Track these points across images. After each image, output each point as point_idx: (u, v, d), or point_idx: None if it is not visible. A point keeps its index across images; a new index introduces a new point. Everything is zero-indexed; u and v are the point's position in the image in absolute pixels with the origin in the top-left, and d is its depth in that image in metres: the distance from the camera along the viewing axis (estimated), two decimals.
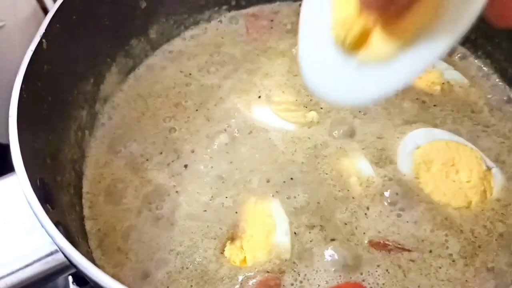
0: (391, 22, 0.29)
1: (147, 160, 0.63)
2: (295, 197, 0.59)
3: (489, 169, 0.60)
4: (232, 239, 0.56)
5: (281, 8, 0.79)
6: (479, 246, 0.56)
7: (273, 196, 0.59)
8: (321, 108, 0.66)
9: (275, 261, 0.55)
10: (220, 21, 0.78)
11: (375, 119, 0.65)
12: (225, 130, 0.65)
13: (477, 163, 0.60)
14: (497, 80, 0.70)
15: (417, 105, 0.67)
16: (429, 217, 0.57)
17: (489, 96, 0.69)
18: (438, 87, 0.68)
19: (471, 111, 0.67)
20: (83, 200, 0.61)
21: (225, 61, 0.73)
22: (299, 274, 0.54)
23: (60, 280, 0.66)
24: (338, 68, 0.31)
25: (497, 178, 0.60)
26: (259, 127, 0.65)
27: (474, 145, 0.62)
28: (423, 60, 0.27)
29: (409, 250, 0.55)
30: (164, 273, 0.55)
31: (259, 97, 0.68)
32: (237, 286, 0.53)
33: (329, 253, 0.55)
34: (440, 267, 0.54)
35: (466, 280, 0.54)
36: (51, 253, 0.51)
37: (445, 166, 0.60)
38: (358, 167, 0.61)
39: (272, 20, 0.77)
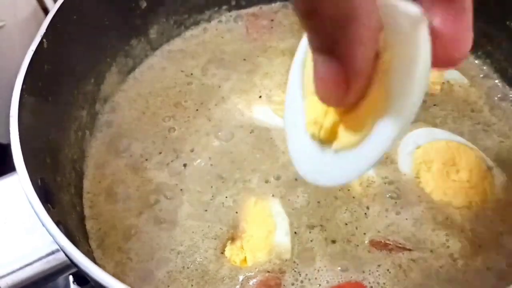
0: (348, 115, 0.34)
1: (146, 160, 0.63)
2: (295, 197, 0.59)
3: (489, 168, 0.60)
4: (233, 239, 0.56)
5: (281, 8, 0.79)
6: (480, 246, 0.56)
7: (273, 196, 0.59)
8: None
9: (276, 261, 0.55)
10: (220, 21, 0.78)
11: None
12: (225, 130, 0.65)
13: (477, 162, 0.60)
14: (497, 80, 0.71)
15: None
16: (429, 216, 0.57)
17: (489, 96, 0.69)
18: (438, 87, 0.68)
19: (471, 111, 0.67)
20: (84, 200, 0.61)
21: (225, 61, 0.73)
22: (299, 274, 0.54)
23: (61, 279, 0.66)
24: (319, 158, 0.38)
25: (498, 178, 0.60)
26: (260, 127, 0.65)
27: (474, 145, 0.62)
28: (382, 144, 0.32)
29: (409, 250, 0.55)
30: (164, 273, 0.55)
31: (260, 97, 0.68)
32: (238, 286, 0.53)
33: (330, 253, 0.55)
34: (440, 267, 0.54)
35: (467, 280, 0.54)
36: (52, 253, 0.51)
37: (445, 165, 0.60)
38: None
39: (272, 20, 0.77)
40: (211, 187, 0.60)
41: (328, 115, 0.36)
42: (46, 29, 0.55)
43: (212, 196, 0.60)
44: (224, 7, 0.78)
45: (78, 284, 0.66)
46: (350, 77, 0.28)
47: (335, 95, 0.29)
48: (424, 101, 0.67)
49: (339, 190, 0.59)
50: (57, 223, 0.44)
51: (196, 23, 0.77)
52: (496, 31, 0.68)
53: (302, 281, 0.53)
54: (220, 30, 0.77)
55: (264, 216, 0.58)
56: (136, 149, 0.64)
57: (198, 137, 0.65)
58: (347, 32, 0.26)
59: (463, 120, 0.66)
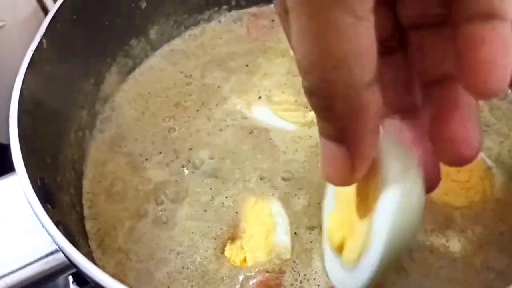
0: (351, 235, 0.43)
1: (146, 160, 0.63)
2: (295, 197, 0.59)
3: (489, 168, 0.60)
4: (232, 239, 0.56)
5: None
6: (480, 246, 0.56)
7: (273, 195, 0.59)
8: None
9: (275, 261, 0.54)
10: (220, 21, 0.78)
11: None
12: (225, 130, 0.65)
13: (477, 162, 0.60)
14: None
15: None
16: (429, 216, 0.57)
17: None
18: None
19: None
20: (83, 200, 0.61)
21: (225, 62, 0.73)
22: (299, 274, 0.54)
23: (60, 280, 0.66)
24: (338, 267, 0.46)
25: (498, 178, 0.60)
26: (260, 127, 0.65)
27: None
28: (369, 268, 0.38)
29: (410, 250, 0.55)
30: (164, 273, 0.55)
31: (259, 97, 0.68)
32: (238, 286, 0.53)
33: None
34: (441, 267, 0.54)
35: (466, 280, 0.53)
36: (51, 253, 0.51)
37: (445, 166, 0.59)
38: None
39: (272, 20, 0.77)
40: (211, 187, 0.60)
41: (339, 230, 0.44)
42: (46, 29, 0.55)
43: (212, 196, 0.60)
44: (224, 7, 0.77)
45: (77, 284, 0.66)
46: (356, 160, 0.32)
47: (342, 176, 0.33)
48: None
49: None
50: (57, 224, 0.44)
51: (196, 23, 0.77)
52: None
53: (301, 281, 0.53)
54: (220, 30, 0.77)
55: (264, 216, 0.58)
56: (136, 149, 0.64)
57: (198, 137, 0.65)
58: (357, 124, 0.30)
59: None
